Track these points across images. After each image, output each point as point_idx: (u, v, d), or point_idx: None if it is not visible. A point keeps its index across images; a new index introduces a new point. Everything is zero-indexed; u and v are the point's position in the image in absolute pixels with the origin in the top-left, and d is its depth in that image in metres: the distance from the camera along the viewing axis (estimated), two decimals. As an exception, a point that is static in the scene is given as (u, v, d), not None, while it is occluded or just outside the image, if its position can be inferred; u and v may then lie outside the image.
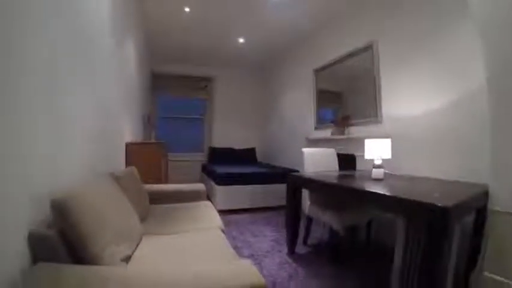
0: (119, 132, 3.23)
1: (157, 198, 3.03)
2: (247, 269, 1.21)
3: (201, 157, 7.13)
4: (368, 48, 3.68)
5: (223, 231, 2.27)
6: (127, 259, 1.50)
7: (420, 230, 1.52)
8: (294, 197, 2.94)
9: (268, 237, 3.41)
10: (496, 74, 1.94)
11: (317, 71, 4.95)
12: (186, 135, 7.29)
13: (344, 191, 2.28)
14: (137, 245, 1.77)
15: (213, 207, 2.91)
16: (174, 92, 7.06)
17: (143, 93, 5.32)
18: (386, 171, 2.64)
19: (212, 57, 6.73)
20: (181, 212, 2.70)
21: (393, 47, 3.34)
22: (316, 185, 2.66)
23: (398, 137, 3.10)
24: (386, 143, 2.51)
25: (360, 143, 3.20)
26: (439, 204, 1.43)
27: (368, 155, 2.54)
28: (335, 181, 2.48)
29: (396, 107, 3.26)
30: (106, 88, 2.62)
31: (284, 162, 6.03)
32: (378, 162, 2.45)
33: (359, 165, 3.58)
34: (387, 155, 2.50)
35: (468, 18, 2.42)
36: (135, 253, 1.66)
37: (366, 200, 2.04)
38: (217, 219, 2.47)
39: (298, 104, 5.71)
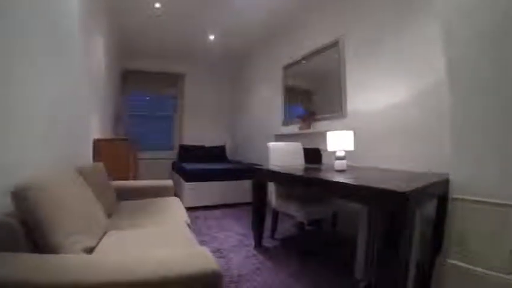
0: (86, 128, 3.16)
1: (124, 195, 3.00)
2: (202, 255, 1.23)
3: (172, 155, 7.01)
4: (334, 44, 3.76)
5: (189, 225, 2.26)
6: (89, 250, 1.49)
7: (381, 216, 1.57)
8: (259, 191, 2.96)
9: (236, 232, 3.42)
10: (454, 68, 2.02)
11: (286, 68, 5.00)
12: (157, 133, 7.13)
13: (307, 181, 2.31)
14: (100, 239, 1.75)
15: (180, 203, 2.88)
16: (145, 89, 6.91)
17: (113, 90, 5.20)
18: (350, 164, 2.71)
19: (183, 54, 6.66)
20: (148, 207, 2.67)
21: (358, 43, 3.43)
22: (281, 178, 2.69)
23: (362, 131, 3.19)
24: (349, 135, 2.57)
25: (325, 137, 3.25)
26: (398, 190, 1.48)
27: (330, 147, 2.59)
28: (298, 173, 2.51)
29: (360, 102, 3.35)
30: (72, 82, 2.56)
31: (253, 158, 6.05)
32: (340, 154, 2.51)
33: (325, 159, 3.64)
34: (350, 146, 2.56)
35: (430, 17, 2.53)
36: (98, 246, 1.63)
37: (329, 190, 2.08)
38: (183, 214, 2.46)
39: (267, 101, 5.75)
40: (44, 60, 1.92)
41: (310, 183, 2.25)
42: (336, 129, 3.25)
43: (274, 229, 3.19)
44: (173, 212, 2.50)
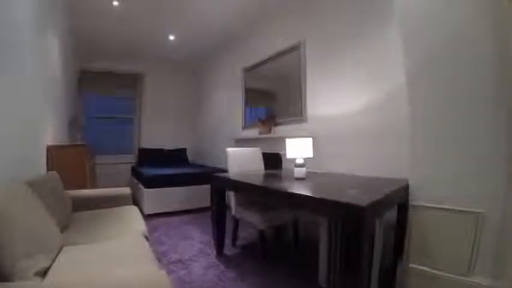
0: (37, 134, 2.97)
1: (81, 205, 2.91)
2: (159, 281, 1.21)
3: (131, 159, 6.79)
4: (295, 48, 3.82)
5: (146, 237, 2.22)
6: (43, 272, 1.43)
7: (339, 228, 1.58)
8: (218, 199, 2.94)
9: (197, 239, 3.38)
10: (412, 75, 2.11)
11: (247, 70, 5.02)
12: (115, 136, 6.86)
13: (265, 192, 2.29)
14: (56, 256, 1.69)
15: (138, 212, 2.82)
16: (103, 91, 6.63)
17: (69, 92, 4.93)
18: (309, 170, 2.75)
19: (142, 54, 6.49)
20: (104, 218, 2.60)
21: (319, 48, 3.50)
22: (238, 186, 2.68)
23: (322, 136, 3.27)
24: (308, 142, 2.60)
25: (285, 141, 3.29)
26: (354, 203, 1.48)
27: (289, 154, 2.61)
28: (257, 182, 2.49)
29: (320, 107, 3.43)
30: (20, 86, 2.42)
31: (215, 161, 6.01)
32: (300, 161, 2.54)
33: (285, 164, 3.69)
34: (309, 153, 2.59)
35: (391, 23, 2.63)
36: (53, 265, 1.57)
37: (287, 202, 2.08)
38: (140, 225, 2.41)
39: (228, 103, 5.75)
40: None
41: (268, 193, 2.24)
42: (296, 134, 3.32)
43: (235, 236, 3.17)
44: (130, 223, 2.45)
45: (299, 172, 2.52)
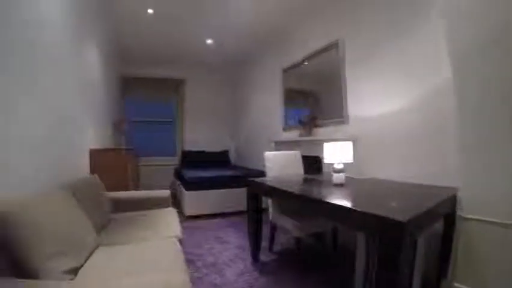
0: (80, 138, 3.14)
1: (120, 206, 3.01)
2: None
3: (174, 161, 6.97)
4: (334, 45, 3.65)
5: (180, 240, 2.22)
6: (73, 271, 1.49)
7: (377, 243, 1.44)
8: (254, 203, 2.86)
9: (234, 244, 3.33)
10: (460, 71, 1.90)
11: (286, 71, 4.90)
12: (159, 139, 7.12)
13: (299, 199, 2.16)
14: (89, 256, 1.76)
15: (175, 215, 2.86)
16: (145, 96, 6.88)
17: (111, 98, 5.17)
18: (349, 175, 2.60)
19: (181, 59, 6.63)
20: (142, 219, 2.67)
21: (358, 45, 3.32)
22: (273, 192, 2.56)
23: (364, 138, 3.08)
24: (347, 146, 2.44)
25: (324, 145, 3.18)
26: (393, 218, 1.32)
27: (328, 159, 2.48)
28: (292, 189, 2.35)
29: (362, 107, 3.23)
30: (60, 93, 2.55)
31: (257, 163, 5.93)
32: (339, 166, 2.39)
33: (326, 168, 3.52)
34: (349, 158, 2.43)
35: (431, 17, 2.41)
36: (85, 264, 1.63)
37: (322, 211, 1.93)
38: (175, 228, 2.43)
39: (268, 105, 5.67)
40: (20, 73, 1.88)
41: (303, 201, 2.11)
42: (337, 137, 3.18)
43: (272, 242, 3.08)
44: (166, 226, 2.48)
45: (337, 178, 2.37)
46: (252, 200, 2.88)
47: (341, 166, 2.39)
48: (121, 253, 1.87)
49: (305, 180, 2.83)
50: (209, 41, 5.49)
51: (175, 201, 5.38)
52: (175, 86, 7.06)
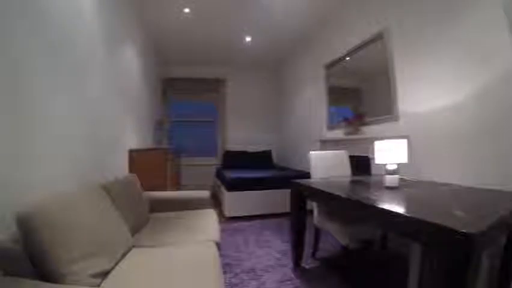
0: (119, 139, 3.19)
1: (159, 207, 2.98)
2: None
3: (216, 161, 6.94)
4: (379, 37, 3.37)
5: (218, 244, 2.11)
6: (102, 274, 1.46)
7: (437, 258, 1.21)
8: (298, 206, 2.65)
9: (275, 248, 3.15)
10: None
11: (328, 67, 4.64)
12: (201, 139, 7.14)
13: (347, 204, 1.92)
14: (121, 258, 1.72)
15: (214, 217, 2.76)
16: (186, 96, 6.92)
17: (153, 99, 5.24)
18: (403, 177, 2.33)
19: (220, 59, 6.56)
20: (179, 221, 2.60)
21: (406, 33, 3.00)
22: (318, 195, 2.33)
23: (418, 136, 2.78)
24: (401, 144, 2.15)
25: (374, 144, 2.91)
26: (461, 229, 1.07)
27: (379, 159, 2.22)
28: (339, 192, 2.09)
29: (414, 102, 2.90)
30: (98, 94, 2.60)
31: (300, 164, 5.72)
32: (391, 167, 2.13)
33: (375, 169, 3.25)
34: (403, 158, 2.15)
35: None
36: (116, 267, 1.60)
37: (373, 218, 1.68)
38: (214, 231, 2.33)
39: (310, 103, 5.43)
40: (61, 75, 1.92)
41: (351, 205, 1.87)
42: (386, 135, 2.88)
43: (316, 248, 2.86)
44: (204, 228, 2.38)
45: (390, 180, 2.10)
46: (295, 203, 2.67)
47: (394, 167, 2.12)
48: (155, 256, 1.80)
49: (353, 182, 2.58)
50: (248, 39, 5.36)
51: (216, 202, 5.33)
52: (216, 85, 7.03)
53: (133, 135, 3.72)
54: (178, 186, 4.86)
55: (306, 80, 5.64)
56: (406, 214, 1.38)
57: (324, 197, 2.22)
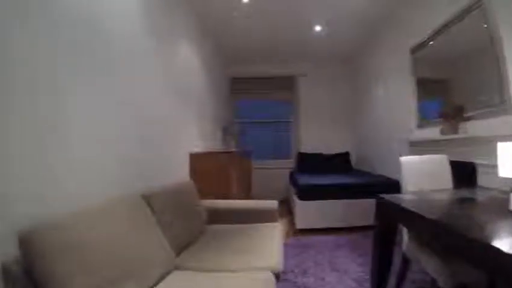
0: (178, 141, 3.05)
1: (218, 217, 2.71)
2: None
3: (290, 164, 6.50)
4: (475, 5, 2.61)
5: (277, 275, 1.74)
6: None
7: None
8: (383, 228, 2.09)
9: (351, 273, 2.61)
10: None
11: (413, 52, 3.84)
12: (273, 141, 6.80)
13: (447, 233, 1.35)
14: (158, 281, 1.55)
15: (279, 234, 2.39)
16: (256, 95, 6.66)
17: (219, 99, 5.06)
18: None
19: (288, 54, 6.05)
20: (238, 238, 2.27)
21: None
22: (410, 218, 1.74)
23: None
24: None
25: (481, 144, 2.30)
26: None
27: (503, 171, 1.58)
28: (436, 215, 1.52)
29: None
30: (150, 94, 2.52)
31: (384, 169, 4.95)
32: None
33: (482, 180, 2.49)
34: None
35: None
36: None
37: (482, 259, 1.10)
38: (275, 255, 1.94)
39: (393, 98, 4.66)
40: (101, 73, 1.86)
41: (454, 236, 1.29)
42: (497, 133, 2.17)
43: (402, 278, 2.23)
44: (264, 251, 2.00)
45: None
46: (381, 222, 2.11)
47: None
48: (195, 284, 1.56)
49: (460, 201, 1.94)
50: (318, 28, 4.77)
51: (288, 210, 4.92)
52: (286, 83, 6.61)
53: (196, 137, 3.58)
54: (247, 192, 4.55)
55: (386, 72, 4.87)
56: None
57: (417, 221, 1.64)
